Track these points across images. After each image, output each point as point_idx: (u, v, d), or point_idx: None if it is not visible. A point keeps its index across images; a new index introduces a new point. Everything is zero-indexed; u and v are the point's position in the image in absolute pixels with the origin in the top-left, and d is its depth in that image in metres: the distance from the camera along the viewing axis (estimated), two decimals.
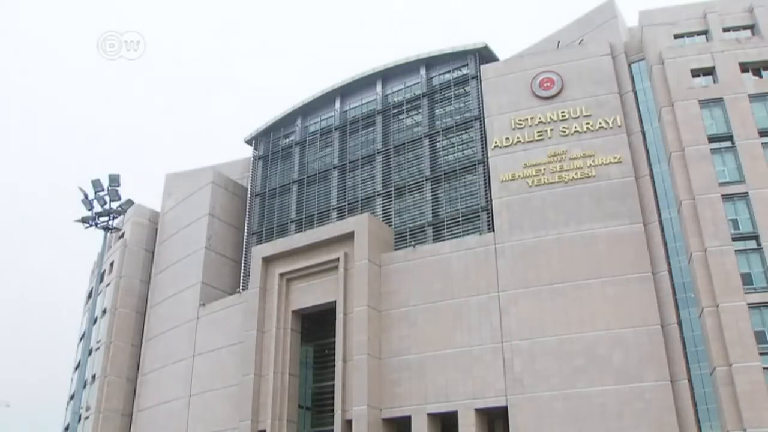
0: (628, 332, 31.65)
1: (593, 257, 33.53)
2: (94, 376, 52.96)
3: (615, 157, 35.31)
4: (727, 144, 32.89)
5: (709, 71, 34.61)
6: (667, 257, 33.17)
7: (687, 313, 31.98)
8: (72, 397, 55.69)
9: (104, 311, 54.70)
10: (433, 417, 34.17)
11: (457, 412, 33.21)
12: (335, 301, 38.13)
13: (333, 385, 37.19)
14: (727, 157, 32.76)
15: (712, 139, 32.93)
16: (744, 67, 34.29)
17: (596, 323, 32.22)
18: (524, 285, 34.01)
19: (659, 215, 34.10)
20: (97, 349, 53.67)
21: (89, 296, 63.00)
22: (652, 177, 35.05)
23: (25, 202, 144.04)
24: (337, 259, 38.71)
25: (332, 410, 36.76)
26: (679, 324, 31.87)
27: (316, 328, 40.54)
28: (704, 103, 33.70)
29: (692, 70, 34.60)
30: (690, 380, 30.77)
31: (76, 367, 58.67)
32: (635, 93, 37.02)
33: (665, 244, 33.47)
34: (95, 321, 55.20)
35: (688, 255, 31.66)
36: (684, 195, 32.18)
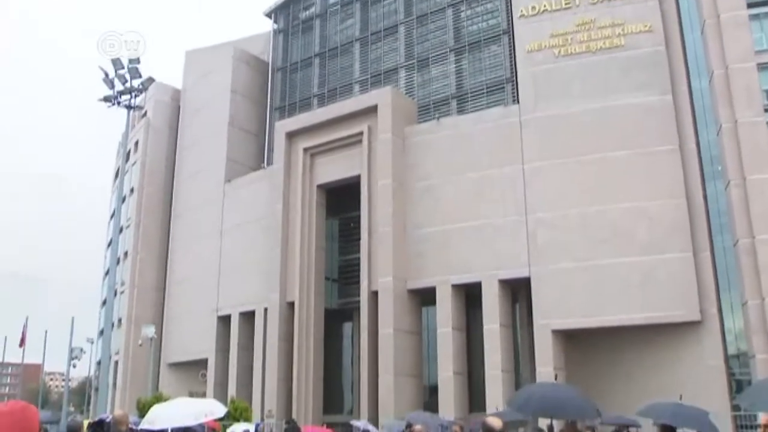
0: (653, 205, 31.34)
1: (620, 129, 32.81)
2: (126, 253, 54.47)
3: (645, 26, 33.92)
4: (767, 9, 31.42)
5: None
6: (696, 129, 32.39)
7: (713, 186, 31.53)
8: (107, 273, 57.52)
9: (132, 190, 55.58)
10: (457, 287, 34.81)
11: (480, 282, 33.77)
12: (359, 175, 38.24)
13: (358, 258, 37.84)
14: (766, 23, 31.32)
15: (750, 4, 31.38)
16: None
17: (621, 196, 31.90)
18: (549, 157, 33.58)
19: (689, 86, 32.98)
20: (128, 227, 54.93)
21: (116, 175, 63.89)
22: (684, 46, 33.66)
23: (52, 79, 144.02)
24: (361, 133, 38.44)
25: (358, 282, 37.60)
26: (705, 197, 31.52)
27: (341, 202, 40.84)
28: None
29: None
30: (712, 252, 30.77)
31: (109, 245, 60.30)
32: None
33: (694, 115, 32.59)
34: (124, 199, 56.21)
35: (718, 127, 30.89)
36: (716, 64, 31.06)
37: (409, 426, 15.71)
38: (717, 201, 31.32)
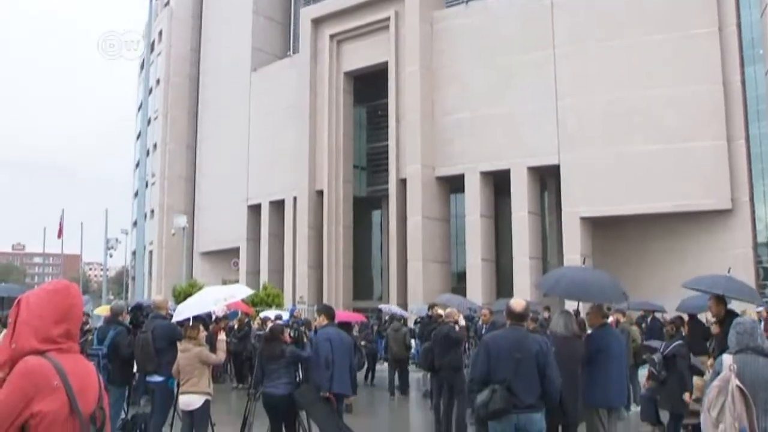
0: (687, 91, 30.33)
1: (655, 12, 31.35)
2: (155, 145, 54.88)
3: None
4: None
5: None
6: (738, 10, 30.89)
7: (752, 70, 30.38)
8: (137, 165, 58.18)
9: (158, 81, 55.39)
10: (486, 174, 34.66)
11: (509, 169, 33.57)
12: (387, 62, 37.48)
13: (387, 145, 37.74)
14: None
15: None
16: None
17: (654, 81, 30.89)
18: (580, 42, 32.41)
19: None
20: (155, 118, 55.09)
21: (141, 67, 63.49)
22: None
23: None
24: (388, 18, 37.42)
25: (387, 169, 37.66)
26: (743, 82, 30.42)
27: (369, 89, 40.29)
28: None
29: None
30: (747, 139, 30.04)
31: (138, 137, 60.71)
32: None
33: None
34: (150, 91, 56.06)
35: (762, 7, 29.47)
36: None
37: (431, 306, 16.29)
38: (756, 86, 30.27)
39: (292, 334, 10.30)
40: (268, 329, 10.33)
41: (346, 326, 12.82)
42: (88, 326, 13.92)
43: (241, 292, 10.27)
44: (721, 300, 8.70)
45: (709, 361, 9.42)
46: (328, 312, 9.24)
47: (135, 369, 10.30)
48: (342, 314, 16.47)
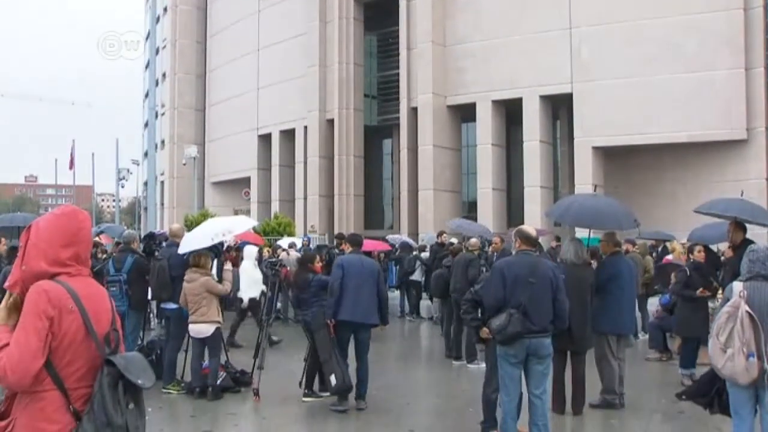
0: (704, 18, 29.47)
1: None
2: (164, 74, 54.43)
3: None
4: None
5: None
6: None
7: None
8: (147, 96, 57.90)
9: (165, 9, 54.62)
10: (498, 103, 34.23)
11: (521, 98, 33.14)
12: None
13: (398, 74, 37.15)
14: None
15: None
16: None
17: (670, 8, 29.96)
18: None
19: None
20: (164, 47, 54.48)
21: None
22: None
23: None
24: None
25: (398, 98, 37.18)
26: (765, 7, 29.43)
27: (380, 16, 39.41)
28: None
29: None
30: (767, 67, 29.42)
31: (146, 67, 60.19)
32: None
33: None
34: (158, 20, 55.25)
35: None
36: None
37: (440, 234, 16.62)
38: None
39: (325, 258, 10.36)
40: (300, 257, 10.30)
41: (366, 255, 12.85)
42: (104, 255, 13.95)
43: (241, 225, 10.01)
44: (740, 227, 8.68)
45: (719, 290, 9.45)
46: (351, 240, 9.18)
47: (149, 296, 10.42)
48: (366, 243, 16.62)
